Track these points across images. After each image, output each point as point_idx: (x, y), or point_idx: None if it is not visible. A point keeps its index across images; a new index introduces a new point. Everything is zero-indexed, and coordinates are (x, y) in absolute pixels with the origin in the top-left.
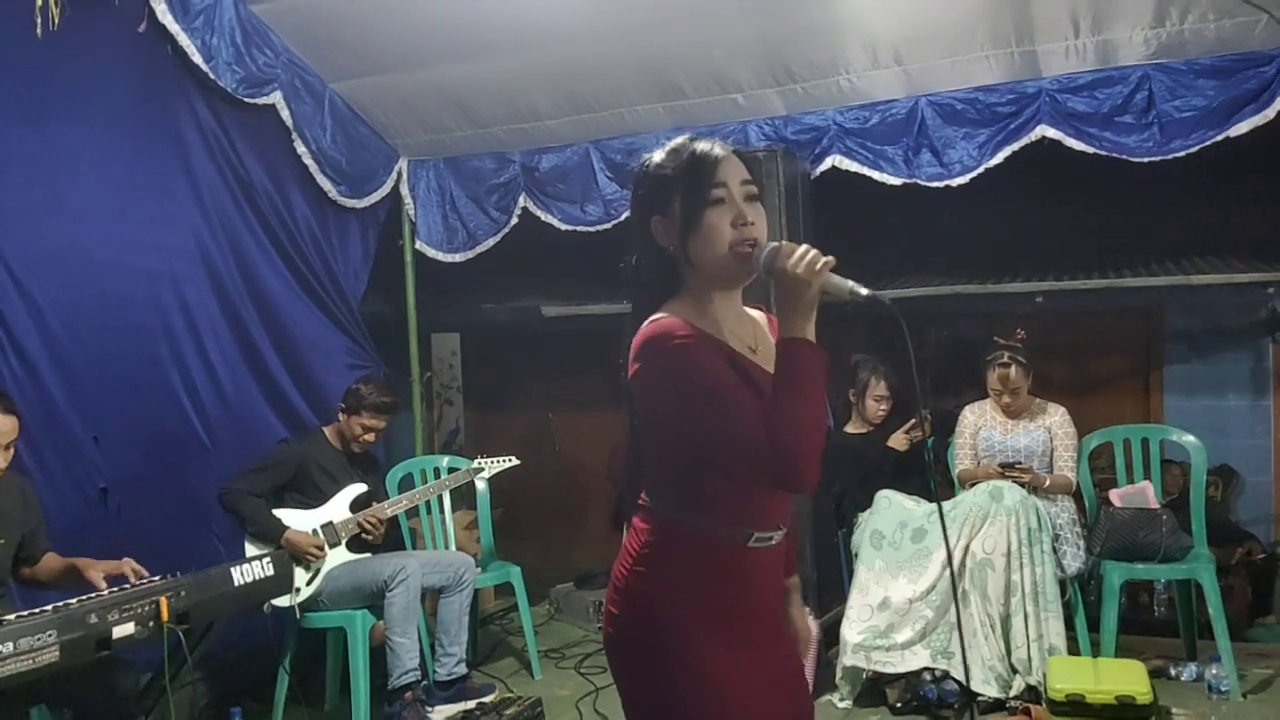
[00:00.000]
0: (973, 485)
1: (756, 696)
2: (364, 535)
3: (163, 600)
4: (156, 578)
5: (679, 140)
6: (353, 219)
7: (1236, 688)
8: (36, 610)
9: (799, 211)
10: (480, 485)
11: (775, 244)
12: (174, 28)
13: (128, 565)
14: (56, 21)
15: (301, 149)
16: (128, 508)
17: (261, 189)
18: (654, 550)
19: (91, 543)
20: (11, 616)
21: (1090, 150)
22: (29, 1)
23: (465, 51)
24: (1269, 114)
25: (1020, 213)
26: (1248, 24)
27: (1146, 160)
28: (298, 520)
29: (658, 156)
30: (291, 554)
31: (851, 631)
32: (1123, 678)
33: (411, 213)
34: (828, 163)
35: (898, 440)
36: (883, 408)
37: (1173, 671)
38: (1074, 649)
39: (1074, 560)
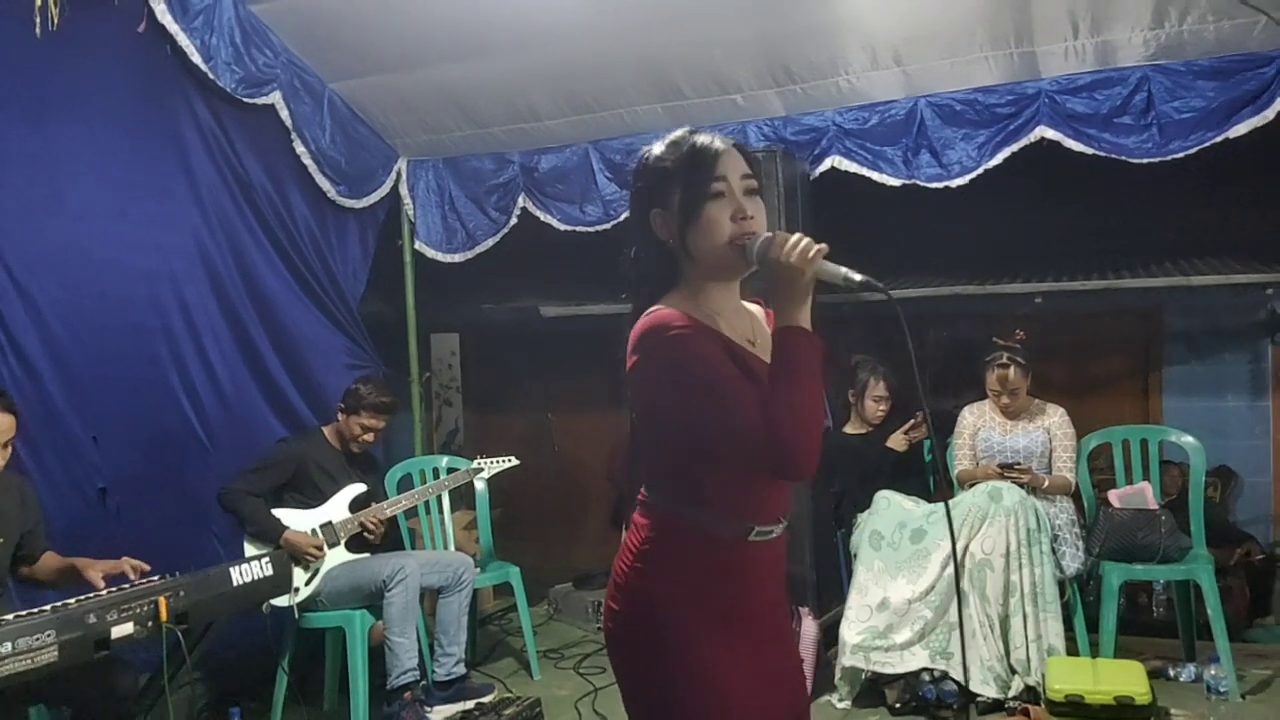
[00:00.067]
0: (971, 486)
1: (755, 693)
2: (365, 535)
3: (161, 600)
4: (156, 576)
5: (679, 133)
6: (352, 219)
7: (1235, 688)
8: (35, 610)
9: (798, 212)
10: (479, 485)
11: (768, 234)
12: (173, 28)
13: (127, 563)
14: (56, 21)
15: (301, 149)
16: (127, 508)
17: (261, 189)
18: (654, 546)
19: (90, 542)
20: (10, 616)
21: (1089, 151)
22: (29, 1)
23: (465, 51)
24: (1268, 115)
25: (1019, 214)
26: (1247, 25)
27: (1145, 161)
28: (297, 520)
29: (657, 149)
30: (290, 554)
31: (850, 632)
32: (1121, 678)
33: (411, 213)
34: (827, 163)
35: (897, 441)
36: (882, 408)
37: (1171, 672)
38: (1073, 649)
39: (1073, 561)
